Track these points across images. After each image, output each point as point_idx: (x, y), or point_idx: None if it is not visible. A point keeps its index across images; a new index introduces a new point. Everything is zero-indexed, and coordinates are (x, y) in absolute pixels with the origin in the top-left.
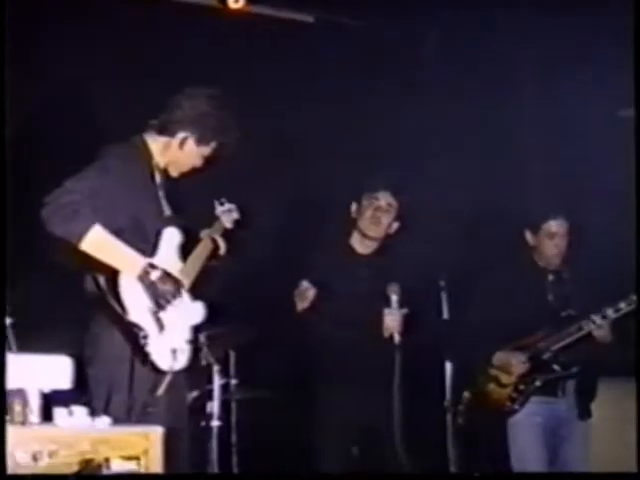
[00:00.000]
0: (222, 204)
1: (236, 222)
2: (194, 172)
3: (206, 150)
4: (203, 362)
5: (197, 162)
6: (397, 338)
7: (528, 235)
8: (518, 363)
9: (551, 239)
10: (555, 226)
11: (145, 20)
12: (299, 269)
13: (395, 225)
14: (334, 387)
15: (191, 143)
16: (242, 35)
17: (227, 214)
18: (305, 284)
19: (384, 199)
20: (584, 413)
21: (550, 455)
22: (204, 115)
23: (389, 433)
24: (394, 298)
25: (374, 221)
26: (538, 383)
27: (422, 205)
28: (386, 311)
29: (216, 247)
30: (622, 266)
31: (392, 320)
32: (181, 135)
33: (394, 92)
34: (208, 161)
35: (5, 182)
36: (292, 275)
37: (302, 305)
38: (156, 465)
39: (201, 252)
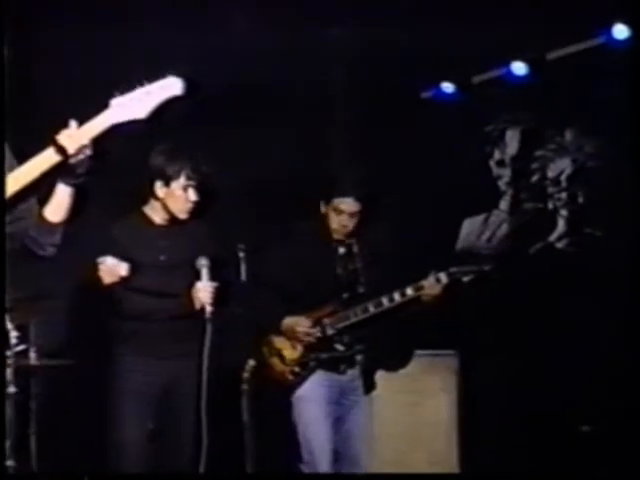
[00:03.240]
0: None
1: None
2: None
3: None
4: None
5: None
6: (208, 310)
7: (322, 205)
8: (303, 329)
9: (338, 214)
10: (344, 204)
11: None
12: (101, 243)
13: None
14: (139, 356)
15: None
16: None
17: None
18: (111, 260)
19: (185, 179)
20: (369, 387)
21: (334, 426)
22: None
23: (196, 404)
24: (204, 271)
25: (183, 199)
26: (320, 361)
27: (225, 176)
28: (198, 284)
29: None
30: (415, 247)
31: (203, 293)
32: None
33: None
34: None
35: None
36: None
37: (111, 280)
38: None
39: None
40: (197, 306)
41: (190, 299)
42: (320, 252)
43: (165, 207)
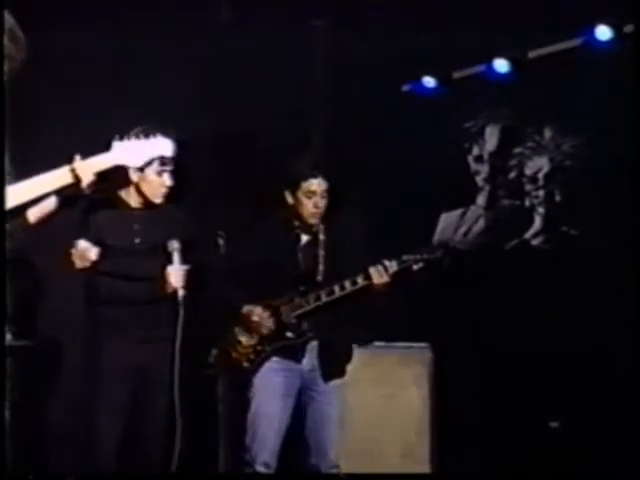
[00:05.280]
0: None
1: None
2: None
3: None
4: None
5: None
6: (181, 294)
7: (287, 195)
8: (257, 318)
9: (310, 197)
10: (314, 185)
11: None
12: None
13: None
14: (114, 340)
15: None
16: None
17: None
18: (83, 243)
19: (159, 165)
20: (328, 375)
21: (298, 418)
22: None
23: (169, 387)
24: (176, 255)
25: (158, 184)
26: (273, 347)
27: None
28: (169, 268)
29: None
30: (385, 238)
31: (175, 276)
32: None
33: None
34: None
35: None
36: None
37: (82, 264)
38: None
39: None
40: (169, 290)
41: (163, 282)
42: (284, 241)
43: (139, 191)
